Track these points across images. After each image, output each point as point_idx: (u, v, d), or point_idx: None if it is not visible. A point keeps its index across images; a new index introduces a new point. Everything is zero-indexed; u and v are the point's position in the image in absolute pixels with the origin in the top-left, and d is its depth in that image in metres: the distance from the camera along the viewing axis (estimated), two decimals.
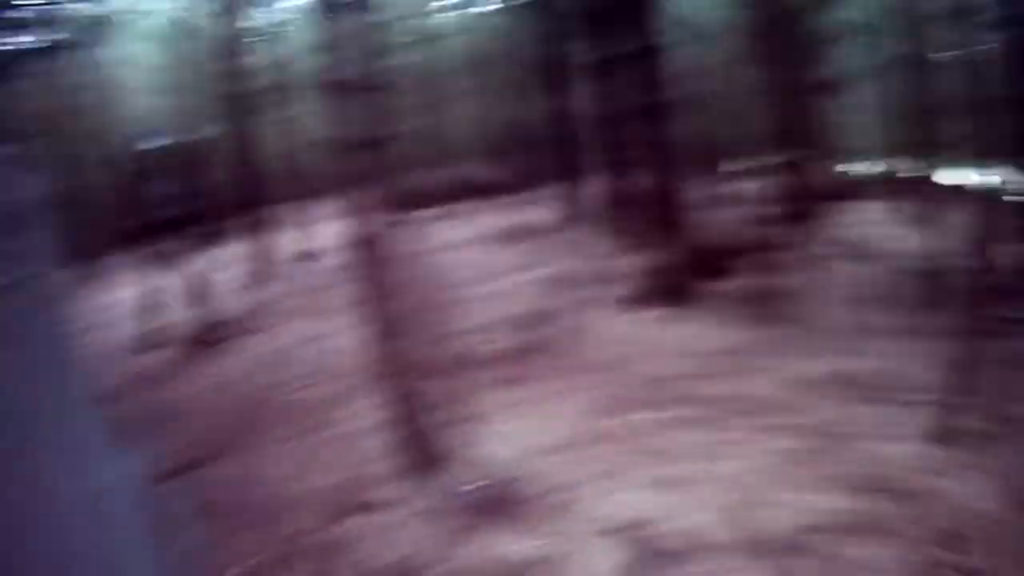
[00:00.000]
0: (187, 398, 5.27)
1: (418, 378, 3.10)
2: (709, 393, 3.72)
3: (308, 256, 10.51)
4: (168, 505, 3.53)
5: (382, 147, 2.75)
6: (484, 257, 8.46)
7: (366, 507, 3.11)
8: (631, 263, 6.54)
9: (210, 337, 6.52)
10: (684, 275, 5.46)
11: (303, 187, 15.36)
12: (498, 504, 2.87)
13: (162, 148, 10.69)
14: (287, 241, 11.55)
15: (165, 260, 8.52)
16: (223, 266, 9.87)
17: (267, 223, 11.06)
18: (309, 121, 11.55)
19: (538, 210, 11.27)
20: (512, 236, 9.16)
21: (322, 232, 14.07)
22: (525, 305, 5.80)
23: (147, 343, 6.93)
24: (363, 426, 4.01)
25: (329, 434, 4.05)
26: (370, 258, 7.32)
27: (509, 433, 3.50)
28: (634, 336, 4.73)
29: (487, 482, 3.01)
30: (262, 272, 9.41)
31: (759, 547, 2.33)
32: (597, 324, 5.11)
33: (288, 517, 3.13)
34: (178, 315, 7.25)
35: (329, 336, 5.99)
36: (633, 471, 2.97)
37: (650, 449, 3.16)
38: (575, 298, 5.79)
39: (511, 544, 2.60)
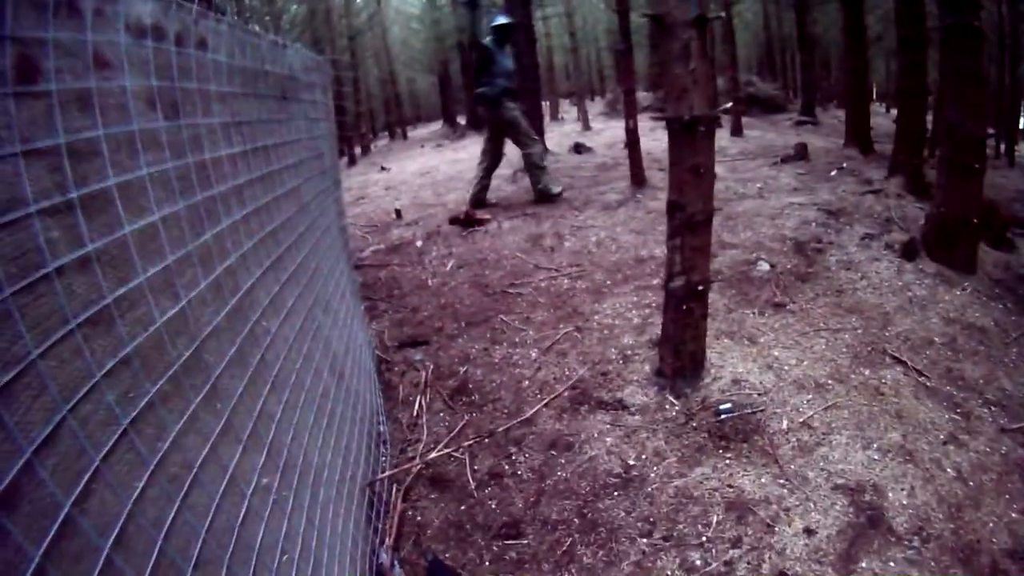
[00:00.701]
0: (444, 271, 5.75)
1: (690, 286, 3.13)
2: (968, 372, 3.44)
3: (583, 149, 11.04)
4: (395, 374, 3.84)
5: (706, 25, 2.70)
6: (758, 173, 8.19)
7: (602, 405, 3.29)
8: (913, 207, 6.16)
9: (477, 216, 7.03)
10: (971, 235, 4.83)
11: (582, 82, 16.67)
12: (740, 431, 2.94)
13: None
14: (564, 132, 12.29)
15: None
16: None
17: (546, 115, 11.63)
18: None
19: (818, 131, 11.19)
20: (790, 155, 8.75)
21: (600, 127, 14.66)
22: (798, 231, 5.65)
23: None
24: (620, 323, 4.23)
25: (584, 324, 4.27)
26: (635, 157, 7.62)
27: (766, 360, 3.52)
28: (905, 287, 4.40)
29: (733, 406, 3.07)
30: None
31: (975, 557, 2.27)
32: (869, 266, 4.79)
33: (515, 403, 3.43)
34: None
35: (597, 228, 6.32)
36: (878, 432, 2.90)
37: (899, 413, 3.04)
38: (850, 233, 5.50)
39: (744, 476, 2.70)
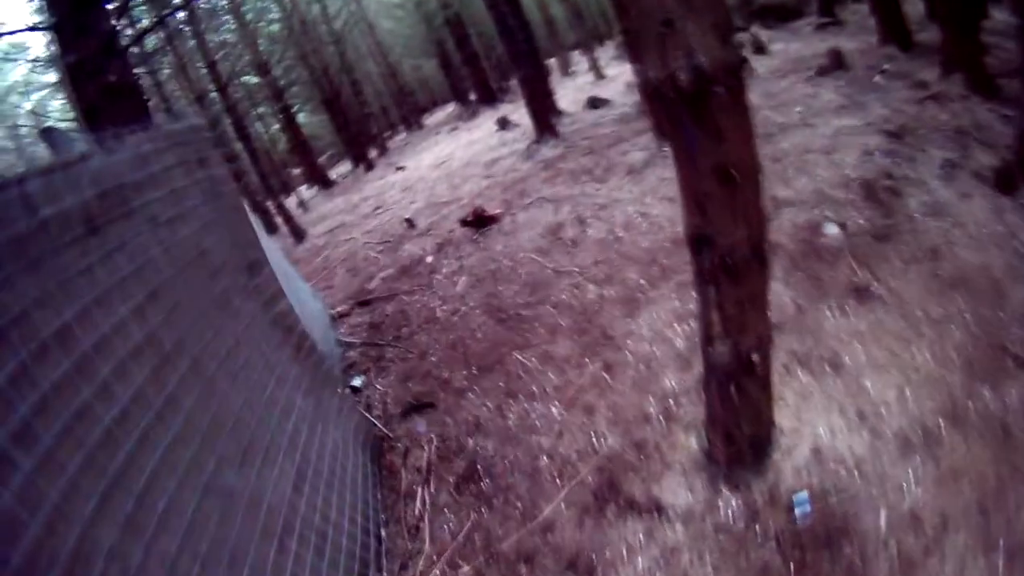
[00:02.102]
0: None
1: (739, 357, 2.12)
2: None
3: (599, 102, 10.21)
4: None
5: None
6: (793, 93, 6.96)
7: (634, 506, 2.46)
8: (983, 111, 4.98)
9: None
10: None
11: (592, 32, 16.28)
12: (822, 538, 2.05)
13: None
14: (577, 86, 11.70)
15: None
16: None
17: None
18: None
19: (845, 32, 9.98)
20: (824, 66, 7.44)
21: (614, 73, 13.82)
22: (863, 167, 4.54)
23: None
24: (660, 350, 3.37)
25: (615, 357, 3.46)
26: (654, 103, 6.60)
27: (856, 402, 2.56)
28: (1010, 235, 3.37)
29: (812, 495, 2.18)
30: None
31: None
32: (960, 207, 3.75)
33: (531, 494, 2.71)
34: None
35: (624, 203, 5.44)
36: (1006, 517, 1.95)
37: None
38: (926, 160, 4.38)
39: None
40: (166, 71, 12.59)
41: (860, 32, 9.59)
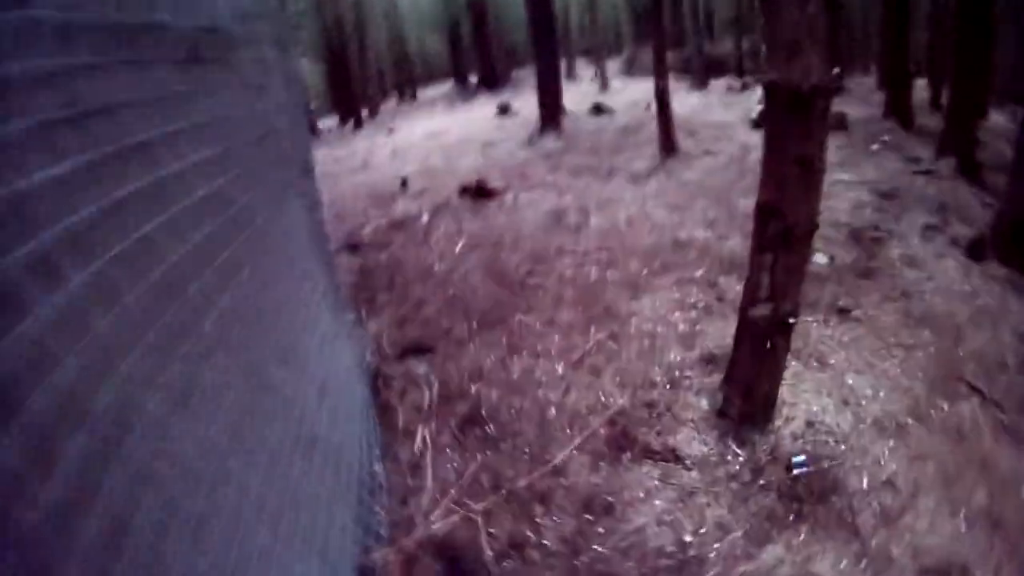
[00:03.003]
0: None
1: (777, 316, 2.45)
2: None
3: (603, 110, 10.32)
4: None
5: None
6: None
7: (650, 453, 2.62)
8: (966, 192, 5.57)
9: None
10: None
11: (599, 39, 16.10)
12: (816, 491, 2.35)
13: None
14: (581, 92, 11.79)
15: None
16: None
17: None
18: None
19: (849, 99, 10.25)
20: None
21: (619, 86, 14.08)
22: (853, 215, 5.00)
23: None
24: (663, 330, 3.54)
25: (620, 329, 3.60)
26: (665, 121, 6.88)
27: (841, 392, 2.91)
28: (974, 294, 3.84)
29: (807, 457, 2.47)
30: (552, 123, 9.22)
31: None
32: (935, 264, 4.18)
33: (540, 441, 2.76)
34: None
35: (627, 202, 5.53)
36: (965, 490, 2.36)
37: (984, 462, 2.50)
38: (910, 221, 4.86)
39: (823, 557, 2.12)
40: None
41: (862, 102, 10.30)
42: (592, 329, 3.62)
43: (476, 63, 18.73)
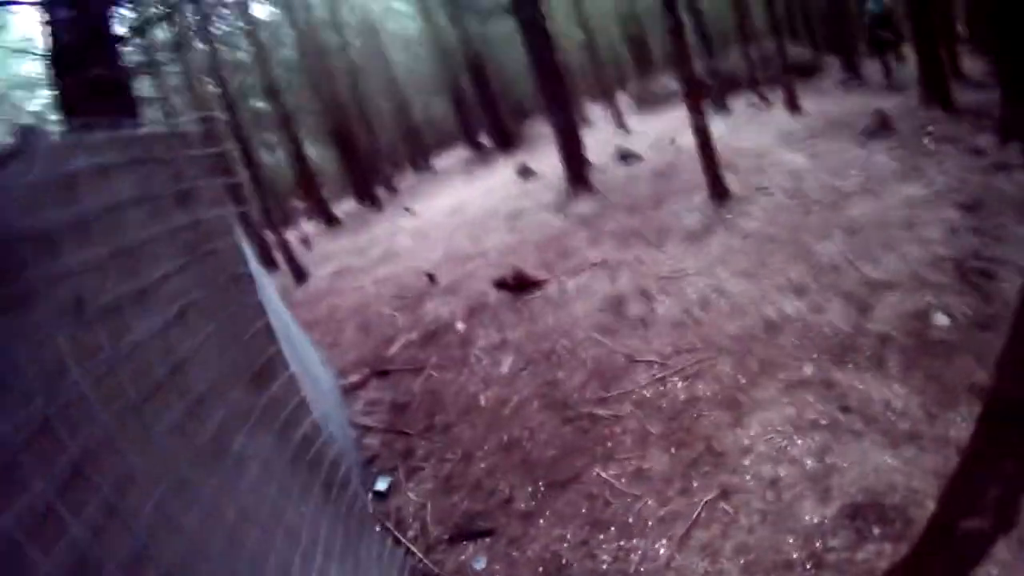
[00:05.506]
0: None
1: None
2: None
3: (629, 157, 9.44)
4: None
5: None
6: (845, 157, 6.45)
7: None
8: None
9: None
10: None
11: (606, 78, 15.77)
12: None
13: None
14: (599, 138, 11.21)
15: None
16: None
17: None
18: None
19: (870, 88, 9.53)
20: (870, 128, 6.96)
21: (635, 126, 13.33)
22: (949, 244, 4.06)
23: None
24: (787, 472, 2.62)
25: (731, 480, 2.72)
26: (710, 161, 5.97)
27: None
28: None
29: None
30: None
31: None
32: None
33: None
34: None
35: (692, 276, 4.66)
36: None
37: None
38: (1016, 241, 3.92)
39: None
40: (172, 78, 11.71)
41: (882, 89, 9.33)
42: (695, 483, 2.72)
43: (484, 122, 18.27)
